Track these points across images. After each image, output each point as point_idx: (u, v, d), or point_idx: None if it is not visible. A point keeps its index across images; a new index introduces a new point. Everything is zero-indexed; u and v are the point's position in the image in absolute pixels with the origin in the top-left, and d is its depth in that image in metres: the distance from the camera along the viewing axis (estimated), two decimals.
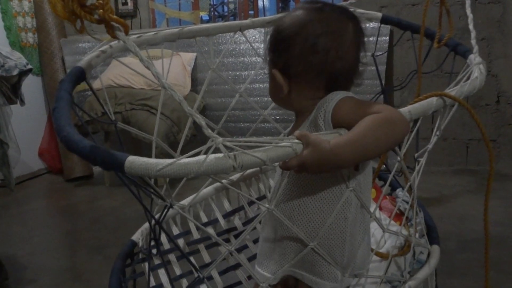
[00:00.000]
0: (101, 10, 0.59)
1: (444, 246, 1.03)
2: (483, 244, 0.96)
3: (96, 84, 3.01)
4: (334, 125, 0.72)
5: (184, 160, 0.54)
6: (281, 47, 0.80)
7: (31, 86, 3.29)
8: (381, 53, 1.37)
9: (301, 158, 0.63)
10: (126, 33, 0.62)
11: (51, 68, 3.36)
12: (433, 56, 1.24)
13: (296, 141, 0.62)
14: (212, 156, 0.54)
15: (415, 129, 0.78)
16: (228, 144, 0.55)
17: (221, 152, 0.55)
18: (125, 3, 3.51)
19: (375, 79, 3.09)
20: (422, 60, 1.18)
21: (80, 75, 0.81)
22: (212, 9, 6.60)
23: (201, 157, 0.54)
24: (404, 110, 0.72)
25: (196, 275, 1.12)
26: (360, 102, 0.74)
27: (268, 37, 0.84)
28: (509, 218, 2.11)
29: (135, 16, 3.55)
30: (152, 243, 1.01)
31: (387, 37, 2.85)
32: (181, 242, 1.22)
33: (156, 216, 0.89)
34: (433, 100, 0.77)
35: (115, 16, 0.60)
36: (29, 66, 2.05)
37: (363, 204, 0.75)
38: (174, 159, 0.53)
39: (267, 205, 0.67)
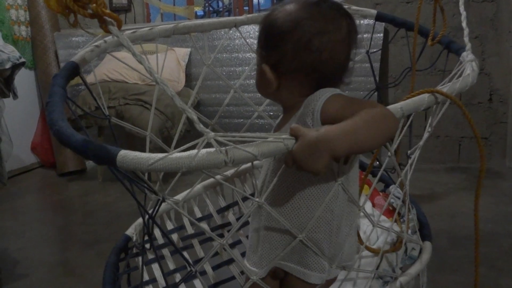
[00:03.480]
0: (94, 4, 0.58)
1: (435, 243, 1.04)
2: (474, 241, 0.97)
3: (89, 79, 2.99)
4: (324, 124, 0.71)
5: (176, 154, 0.54)
6: (273, 42, 0.78)
7: (24, 80, 3.27)
8: (375, 50, 1.37)
9: (291, 152, 0.61)
10: (119, 28, 0.62)
11: (44, 61, 3.34)
12: (426, 54, 1.25)
13: (287, 136, 0.61)
14: (203, 151, 0.54)
15: (407, 125, 0.78)
16: (220, 139, 0.55)
17: (213, 147, 0.55)
18: None
19: (369, 76, 3.10)
20: (417, 57, 1.18)
21: (74, 70, 0.81)
22: (206, 4, 6.58)
23: (193, 151, 0.54)
24: (396, 106, 0.72)
25: (189, 269, 1.12)
26: (349, 99, 0.73)
27: (260, 29, 0.81)
28: (500, 215, 2.13)
29: (129, 10, 3.53)
30: (146, 237, 1.01)
31: (381, 34, 2.86)
32: (175, 237, 1.22)
33: (150, 211, 0.89)
34: (425, 97, 0.77)
35: (108, 11, 0.60)
36: (22, 60, 2.03)
37: (350, 197, 0.76)
38: (166, 154, 0.53)
39: (257, 199, 0.67)
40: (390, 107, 0.71)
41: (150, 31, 1.04)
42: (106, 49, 0.93)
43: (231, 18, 1.18)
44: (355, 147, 0.65)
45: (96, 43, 0.91)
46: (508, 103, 3.06)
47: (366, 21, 1.38)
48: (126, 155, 0.54)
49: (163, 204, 1.20)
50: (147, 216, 0.87)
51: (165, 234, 0.87)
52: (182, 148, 0.55)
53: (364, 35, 1.88)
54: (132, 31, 1.01)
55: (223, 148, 0.55)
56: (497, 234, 1.91)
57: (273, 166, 0.75)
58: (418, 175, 1.07)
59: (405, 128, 0.77)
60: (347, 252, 0.81)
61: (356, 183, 0.82)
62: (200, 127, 0.55)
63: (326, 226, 0.76)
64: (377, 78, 2.73)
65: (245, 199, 1.31)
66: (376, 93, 1.43)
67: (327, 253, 0.77)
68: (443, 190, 2.59)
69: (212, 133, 0.55)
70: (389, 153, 0.76)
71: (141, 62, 0.58)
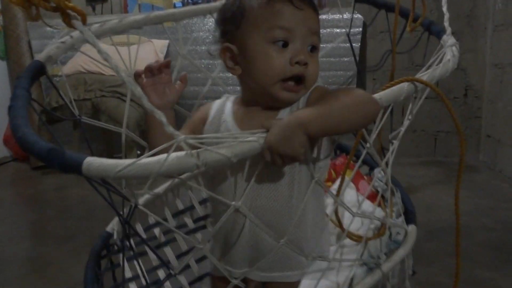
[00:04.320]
0: None
1: None
2: (450, 233, 0.98)
3: (64, 70, 2.92)
4: None
5: (144, 160, 0.52)
6: None
7: None
8: (352, 44, 1.35)
9: (266, 142, 0.58)
10: (84, 23, 0.59)
11: (16, 52, 3.24)
12: (404, 46, 1.24)
13: (262, 134, 0.59)
14: (173, 155, 0.52)
15: (387, 113, 0.77)
16: (191, 141, 0.53)
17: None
18: None
19: (347, 70, 3.11)
20: (397, 39, 1.17)
21: (39, 70, 0.78)
22: None
23: (162, 156, 0.52)
24: (375, 96, 0.71)
25: (173, 263, 1.12)
26: (331, 89, 0.73)
27: (314, 13, 0.75)
28: (475, 208, 2.17)
29: (106, 0, 3.46)
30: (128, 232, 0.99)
31: (360, 29, 2.87)
32: (156, 231, 1.20)
33: (128, 211, 0.87)
34: (404, 86, 0.76)
35: (71, 4, 0.56)
36: None
37: (326, 189, 0.75)
38: (134, 160, 0.51)
39: (233, 202, 0.65)
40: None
41: (120, 23, 0.98)
42: (74, 45, 0.89)
43: (205, 5, 1.12)
44: (330, 126, 0.63)
45: (62, 39, 0.87)
46: (482, 98, 3.12)
47: (346, 15, 1.37)
48: (92, 162, 0.52)
49: (145, 198, 1.17)
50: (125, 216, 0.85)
51: (143, 239, 0.85)
52: (151, 152, 0.53)
53: (343, 30, 1.88)
54: (100, 24, 0.95)
55: (194, 151, 0.53)
56: (471, 226, 1.94)
57: (247, 168, 0.72)
58: (394, 169, 1.07)
59: (384, 117, 0.77)
60: (324, 244, 0.82)
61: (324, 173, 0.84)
62: (170, 129, 0.52)
63: (303, 225, 0.75)
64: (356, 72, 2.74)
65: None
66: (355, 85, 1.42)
67: (306, 250, 0.76)
68: (419, 184, 2.62)
69: (183, 136, 0.53)
70: (367, 144, 0.75)
71: (107, 60, 0.56)
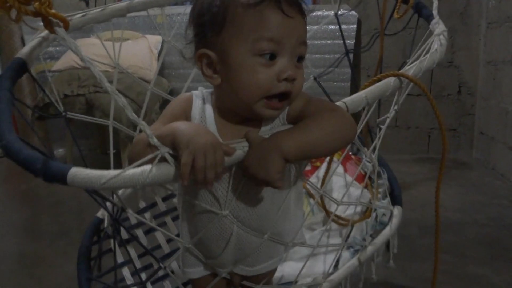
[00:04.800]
0: (37, 3, 0.53)
1: (405, 232, 1.05)
2: (443, 230, 0.99)
3: (58, 65, 2.91)
4: (289, 122, 0.70)
5: (129, 171, 0.52)
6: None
7: None
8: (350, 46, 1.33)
9: (243, 161, 0.59)
10: (66, 29, 0.58)
11: (9, 47, 3.21)
12: (398, 45, 1.25)
13: (245, 144, 0.60)
14: (157, 166, 0.53)
15: (374, 105, 0.77)
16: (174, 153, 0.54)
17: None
18: None
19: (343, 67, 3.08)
20: (386, 20, 1.15)
21: (21, 68, 0.76)
22: None
23: (147, 167, 0.53)
24: (360, 94, 0.70)
25: (163, 248, 1.13)
26: (310, 98, 0.71)
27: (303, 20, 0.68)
28: (468, 205, 2.19)
29: None
30: (120, 216, 1.00)
31: (355, 25, 2.87)
32: (147, 215, 1.21)
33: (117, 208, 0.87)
34: (390, 81, 0.75)
35: (53, 11, 0.55)
36: None
37: (311, 184, 0.76)
38: (119, 171, 0.52)
39: (221, 211, 0.66)
40: (355, 96, 0.70)
41: (101, 12, 0.94)
42: (56, 39, 0.87)
43: None
44: (309, 152, 0.63)
45: (43, 34, 0.86)
46: (476, 95, 3.14)
47: (340, 12, 1.37)
48: (77, 174, 0.52)
49: None
50: (115, 211, 0.85)
51: (132, 235, 0.85)
52: (137, 163, 0.53)
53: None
54: (82, 14, 0.92)
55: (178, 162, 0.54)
56: (464, 223, 1.96)
57: (234, 175, 0.67)
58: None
59: (370, 112, 0.76)
60: (301, 229, 0.82)
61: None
62: (154, 141, 0.54)
63: (285, 217, 0.76)
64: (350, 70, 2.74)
65: None
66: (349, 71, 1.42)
67: (287, 238, 0.76)
68: (413, 180, 2.63)
69: (166, 148, 0.54)
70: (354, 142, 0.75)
71: (91, 68, 0.56)
